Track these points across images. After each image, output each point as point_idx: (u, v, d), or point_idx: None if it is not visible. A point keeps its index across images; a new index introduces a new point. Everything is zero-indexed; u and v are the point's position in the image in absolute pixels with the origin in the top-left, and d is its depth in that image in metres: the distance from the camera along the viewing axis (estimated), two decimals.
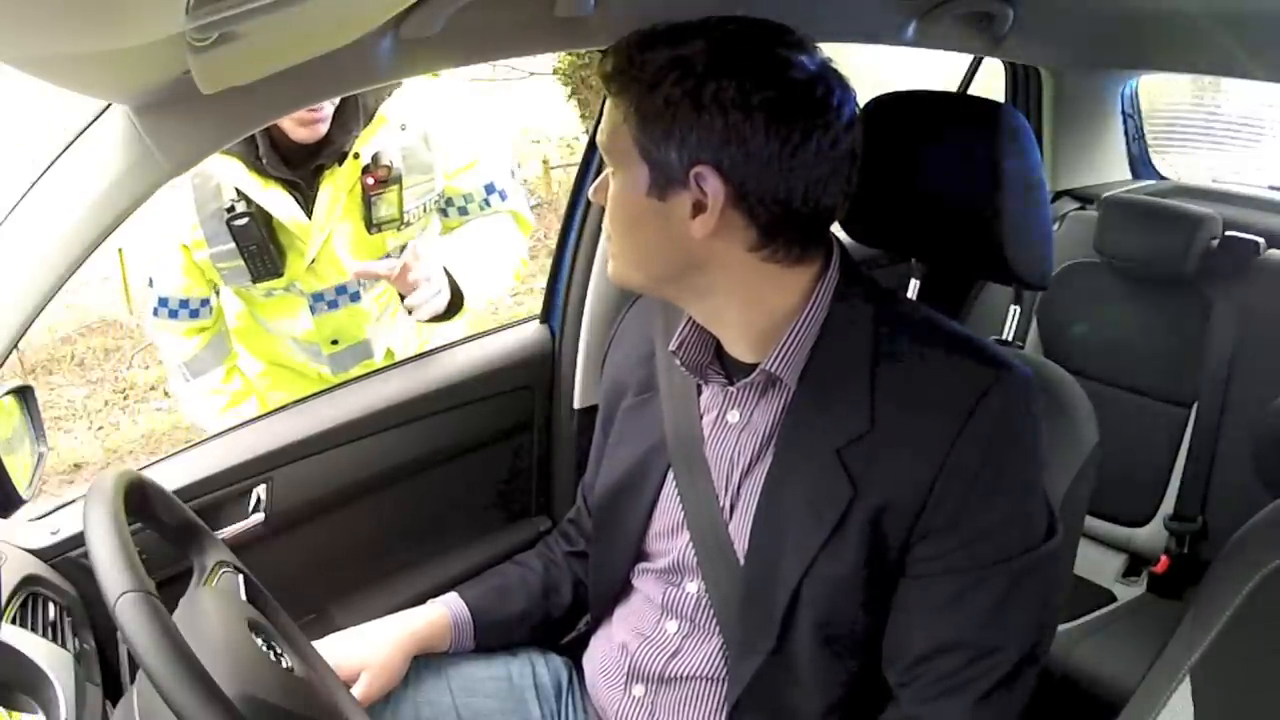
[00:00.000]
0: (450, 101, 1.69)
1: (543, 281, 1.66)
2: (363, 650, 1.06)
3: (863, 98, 0.94)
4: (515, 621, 1.16)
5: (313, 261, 1.63)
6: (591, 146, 1.53)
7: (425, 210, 1.68)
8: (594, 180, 1.49)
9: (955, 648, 0.88)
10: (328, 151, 1.55)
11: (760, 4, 0.91)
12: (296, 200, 1.57)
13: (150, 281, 1.68)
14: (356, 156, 1.57)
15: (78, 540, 1.14)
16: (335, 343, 1.76)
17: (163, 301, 1.68)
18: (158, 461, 1.32)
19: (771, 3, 0.91)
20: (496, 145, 1.78)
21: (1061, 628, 1.64)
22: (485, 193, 1.72)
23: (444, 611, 1.13)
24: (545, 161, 6.19)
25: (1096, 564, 1.84)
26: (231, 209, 1.55)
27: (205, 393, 1.75)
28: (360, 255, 1.66)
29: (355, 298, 1.71)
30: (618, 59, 0.88)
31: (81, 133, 0.97)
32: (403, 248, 1.72)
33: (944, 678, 0.88)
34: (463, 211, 1.73)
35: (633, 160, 0.88)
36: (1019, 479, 0.89)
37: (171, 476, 1.25)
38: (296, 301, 1.71)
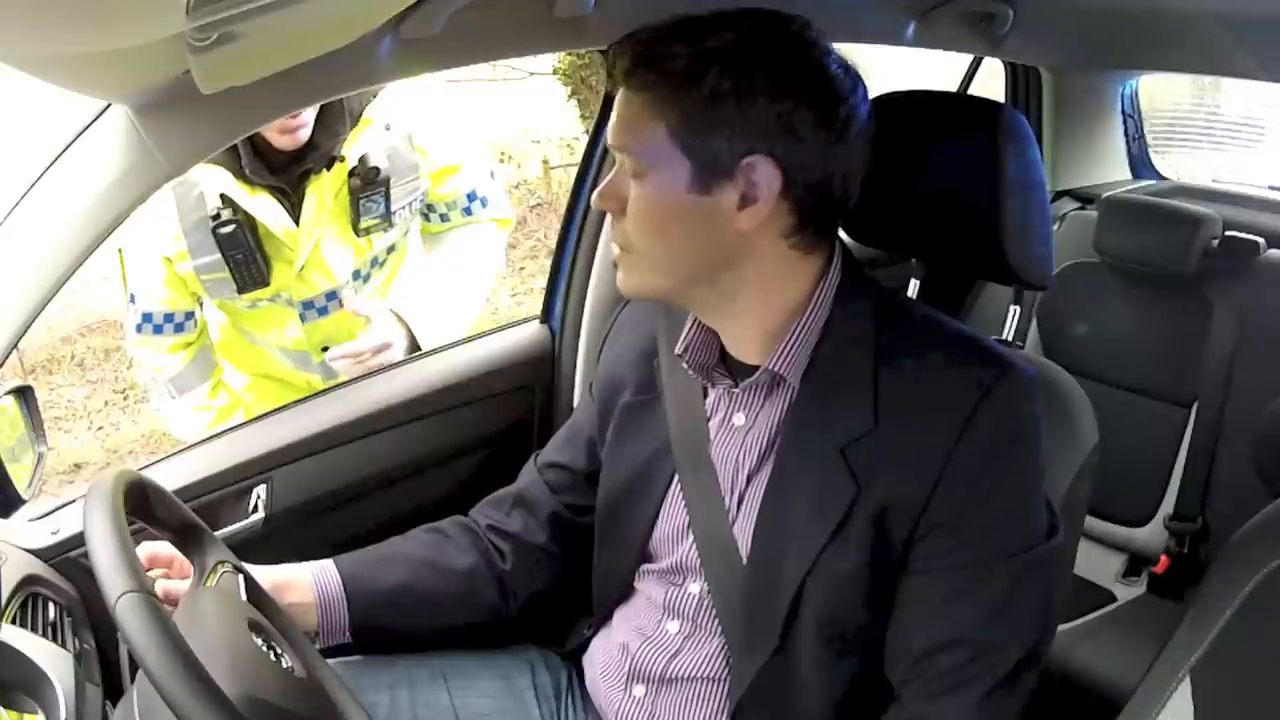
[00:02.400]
0: (432, 102, 1.68)
1: (543, 281, 1.67)
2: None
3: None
4: (400, 594, 1.07)
5: (301, 269, 1.62)
6: (591, 146, 1.53)
7: (412, 211, 1.68)
8: (593, 185, 1.51)
9: (957, 645, 0.88)
10: (314, 156, 1.54)
11: (761, 3, 0.90)
12: (283, 207, 1.56)
13: (132, 298, 1.65)
14: (343, 160, 1.56)
15: (78, 540, 1.13)
16: (325, 350, 1.73)
17: (146, 317, 1.66)
18: (158, 461, 1.32)
19: (773, 2, 0.91)
20: (477, 147, 1.78)
21: (1061, 628, 1.63)
22: (467, 200, 1.72)
23: (307, 577, 1.05)
24: (545, 161, 6.17)
25: (1096, 564, 1.84)
26: (217, 216, 1.53)
27: (191, 409, 1.73)
28: (348, 259, 1.65)
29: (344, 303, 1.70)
30: (639, 54, 0.87)
31: (81, 133, 0.97)
32: (390, 249, 1.72)
33: (945, 675, 0.88)
34: (444, 218, 1.73)
35: (669, 157, 0.86)
36: (1022, 477, 0.89)
37: (171, 476, 1.25)
38: (283, 312, 1.70)
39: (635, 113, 0.88)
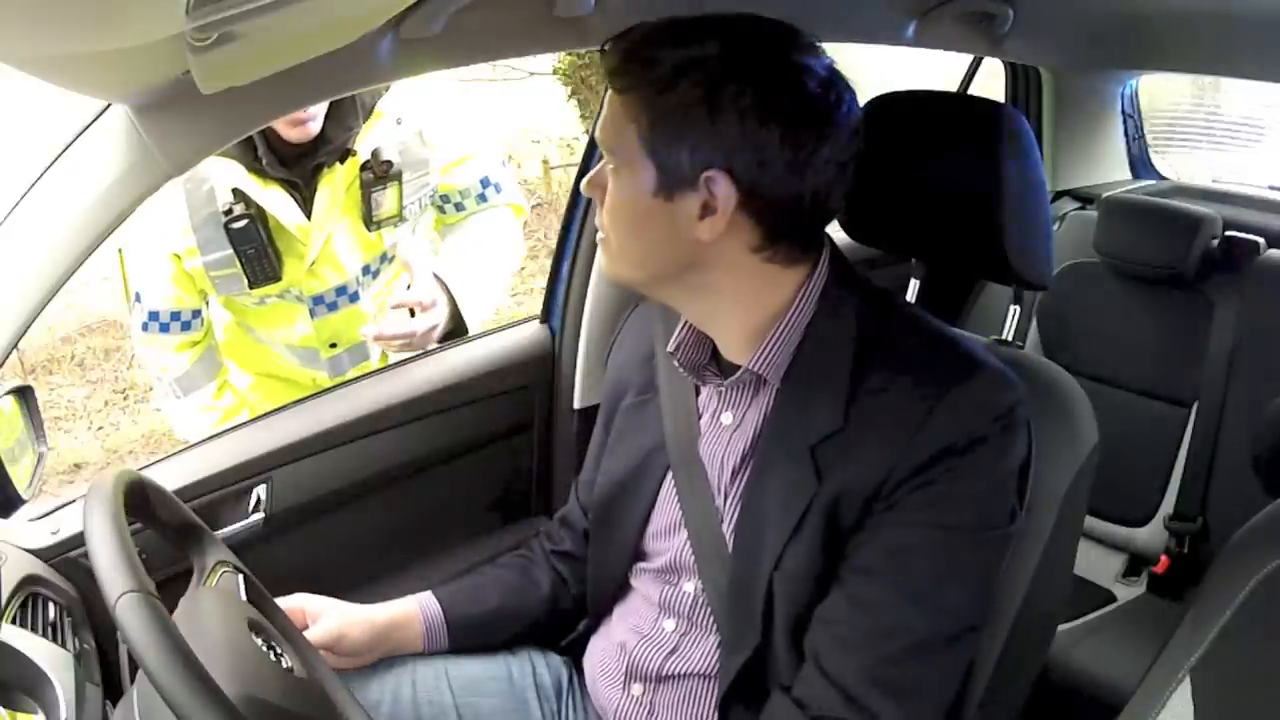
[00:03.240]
0: (442, 97, 1.68)
1: (543, 281, 1.67)
2: (330, 602, 1.08)
3: (862, 98, 0.94)
4: (491, 619, 1.14)
5: (312, 263, 1.62)
6: (592, 146, 1.53)
7: (422, 206, 1.68)
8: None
9: (868, 612, 0.87)
10: (326, 150, 1.54)
11: (761, 4, 0.90)
12: (295, 201, 1.56)
13: (138, 296, 1.65)
14: (354, 154, 1.56)
15: (78, 540, 1.14)
16: (334, 345, 1.75)
17: (153, 315, 1.65)
18: (158, 461, 1.32)
19: (773, 2, 0.91)
20: (487, 138, 1.78)
21: (1062, 628, 1.64)
22: (481, 186, 1.72)
23: (414, 608, 1.12)
24: (545, 161, 6.18)
25: (1096, 564, 1.84)
26: (229, 211, 1.53)
27: (196, 409, 1.72)
28: (359, 253, 1.66)
29: (355, 298, 1.70)
30: (625, 54, 0.88)
31: (81, 133, 0.97)
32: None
33: (853, 634, 0.87)
34: (459, 208, 1.73)
35: (639, 159, 0.87)
36: (975, 478, 0.87)
37: (171, 476, 1.25)
38: (291, 308, 1.69)
39: (616, 112, 0.89)
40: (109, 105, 0.96)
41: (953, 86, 2.02)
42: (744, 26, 0.87)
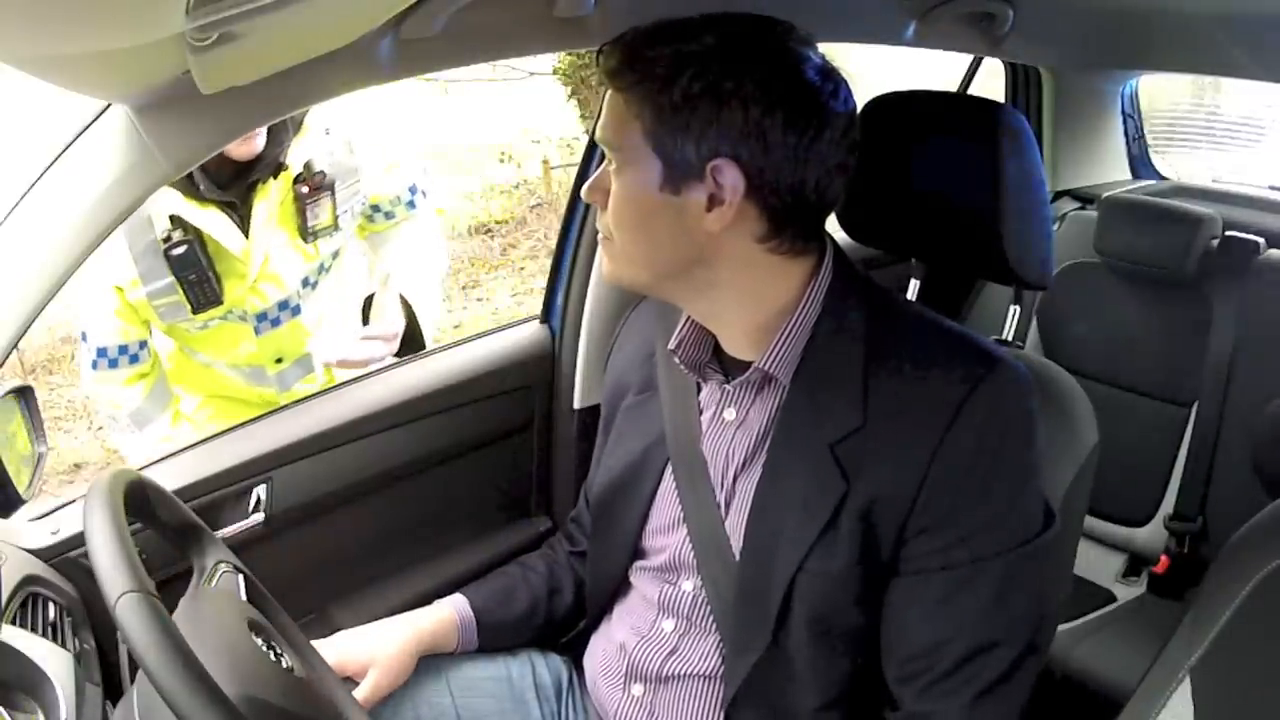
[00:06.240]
0: (364, 107, 1.69)
1: (542, 281, 1.67)
2: (370, 648, 1.07)
3: (863, 97, 0.94)
4: (519, 622, 1.16)
5: (253, 281, 1.61)
6: (592, 146, 1.53)
7: (353, 215, 1.69)
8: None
9: (952, 643, 0.88)
10: (261, 166, 1.53)
11: (760, 4, 0.91)
12: (233, 221, 1.55)
13: (83, 335, 1.64)
14: (286, 168, 1.56)
15: (78, 540, 1.14)
16: (279, 361, 1.75)
17: (101, 352, 1.64)
18: (158, 461, 1.32)
19: (773, 2, 0.91)
20: (408, 146, 1.79)
21: (1061, 628, 1.64)
22: (410, 193, 1.73)
23: (450, 612, 1.14)
24: (545, 161, 6.19)
25: (1096, 564, 1.85)
26: (168, 238, 1.51)
27: (155, 440, 1.72)
28: (298, 267, 1.66)
29: (296, 311, 1.70)
30: (624, 54, 0.88)
31: (81, 133, 0.97)
32: (335, 254, 1.73)
33: (944, 675, 0.88)
34: (389, 216, 1.74)
35: (643, 155, 0.88)
36: (1012, 473, 0.88)
37: (171, 476, 1.25)
38: (235, 329, 1.69)
39: (618, 111, 0.89)
40: (109, 105, 0.96)
41: (953, 86, 2.03)
42: (739, 20, 0.88)
